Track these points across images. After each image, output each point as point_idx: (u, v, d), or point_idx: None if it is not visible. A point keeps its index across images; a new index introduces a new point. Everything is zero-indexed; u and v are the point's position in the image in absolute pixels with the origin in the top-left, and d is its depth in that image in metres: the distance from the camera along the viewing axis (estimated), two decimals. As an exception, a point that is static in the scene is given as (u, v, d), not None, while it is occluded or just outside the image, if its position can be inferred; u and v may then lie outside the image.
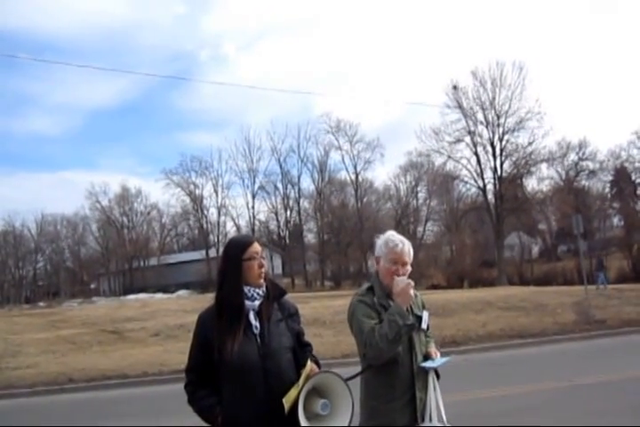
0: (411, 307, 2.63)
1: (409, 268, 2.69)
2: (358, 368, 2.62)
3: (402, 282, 2.56)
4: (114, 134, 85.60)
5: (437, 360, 2.60)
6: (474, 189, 44.39)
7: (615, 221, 49.41)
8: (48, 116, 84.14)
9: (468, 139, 41.03)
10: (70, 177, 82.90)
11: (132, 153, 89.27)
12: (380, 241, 2.74)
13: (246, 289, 2.28)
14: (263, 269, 2.32)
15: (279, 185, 53.46)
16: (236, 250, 2.32)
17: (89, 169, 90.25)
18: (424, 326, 2.67)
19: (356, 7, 78.91)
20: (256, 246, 2.34)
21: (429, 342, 2.74)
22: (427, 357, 2.63)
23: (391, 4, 78.33)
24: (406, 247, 2.68)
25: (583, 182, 47.82)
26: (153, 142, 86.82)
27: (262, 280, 2.32)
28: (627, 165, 45.54)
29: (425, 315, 2.70)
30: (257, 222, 54.00)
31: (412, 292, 2.56)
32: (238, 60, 79.92)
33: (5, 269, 61.12)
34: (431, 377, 2.59)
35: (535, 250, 52.33)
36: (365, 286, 2.73)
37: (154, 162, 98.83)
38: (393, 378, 2.53)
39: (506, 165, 40.83)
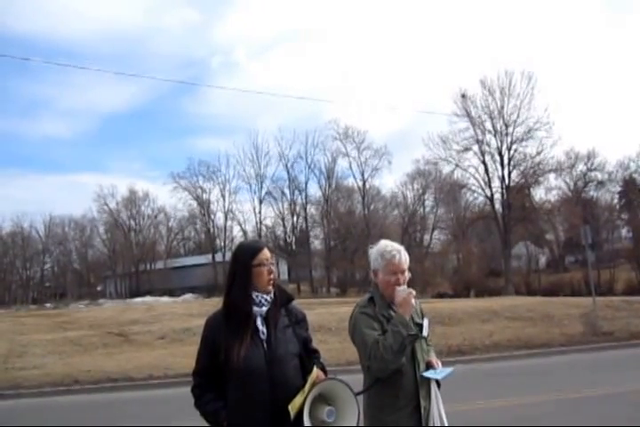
0: (411, 315, 2.62)
1: (408, 274, 2.66)
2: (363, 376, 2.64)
3: (403, 292, 2.55)
4: (124, 138, 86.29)
5: (440, 371, 2.59)
6: (481, 198, 44.28)
7: (623, 232, 49.04)
8: (60, 120, 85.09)
9: (475, 147, 40.97)
10: (80, 180, 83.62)
11: (141, 157, 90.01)
12: (374, 253, 2.69)
13: (254, 295, 2.29)
14: (272, 276, 2.32)
15: (286, 191, 53.57)
16: (246, 256, 2.33)
17: (98, 172, 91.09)
18: (425, 333, 2.66)
19: (365, 16, 79.32)
20: (266, 252, 2.34)
21: (430, 350, 2.72)
22: (428, 365, 2.62)
23: (400, 12, 78.63)
24: (403, 256, 2.64)
25: (591, 193, 47.58)
26: (162, 147, 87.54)
27: (271, 287, 2.33)
28: (635, 176, 45.32)
29: (425, 322, 2.69)
30: (263, 228, 54.08)
31: (413, 301, 2.56)
32: (249, 68, 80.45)
33: (13, 269, 61.56)
34: (433, 385, 2.59)
35: (542, 260, 51.96)
36: (366, 296, 2.71)
37: (162, 166, 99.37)
38: (396, 388, 2.52)
39: (514, 175, 40.71)
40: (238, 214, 54.69)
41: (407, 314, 2.52)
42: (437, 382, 2.62)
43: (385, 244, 2.72)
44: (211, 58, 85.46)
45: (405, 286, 2.60)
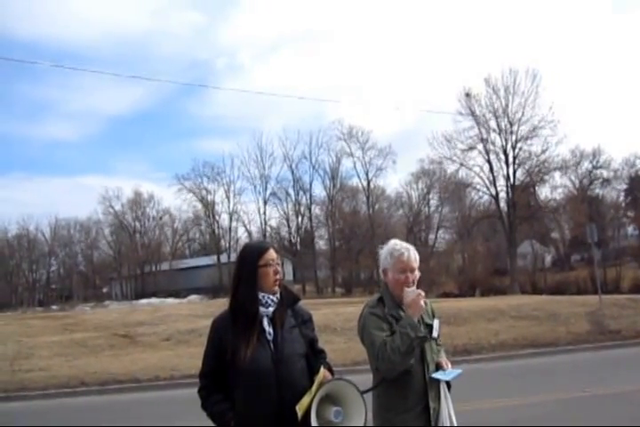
0: (421, 316, 2.60)
1: (417, 273, 2.66)
2: (369, 376, 2.62)
3: (412, 293, 2.53)
4: (129, 140, 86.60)
5: (449, 373, 2.58)
6: (486, 197, 44.13)
7: (630, 230, 48.81)
8: (66, 123, 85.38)
9: (480, 146, 40.79)
10: (85, 182, 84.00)
11: (145, 158, 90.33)
12: (384, 253, 2.69)
13: (261, 296, 2.28)
14: (278, 276, 2.32)
15: (291, 191, 53.64)
16: (252, 256, 2.33)
17: (103, 174, 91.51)
18: (435, 334, 2.64)
19: (369, 16, 79.25)
20: (272, 253, 2.34)
21: (440, 350, 2.71)
22: (438, 366, 2.60)
23: (404, 11, 78.53)
24: (412, 254, 2.64)
25: (597, 191, 47.35)
26: (167, 148, 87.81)
27: (277, 287, 2.33)
28: (641, 173, 45.14)
29: (436, 323, 2.67)
30: (268, 228, 54.13)
31: (422, 302, 2.53)
32: (253, 69, 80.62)
33: (19, 272, 61.85)
34: (442, 386, 2.58)
35: (548, 259, 51.75)
36: (376, 296, 2.70)
37: (167, 168, 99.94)
38: (405, 389, 2.50)
39: (519, 173, 40.53)
40: (243, 215, 54.90)
41: (416, 316, 2.49)
42: (447, 383, 2.61)
43: (394, 242, 2.72)
44: (215, 59, 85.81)
45: (414, 288, 2.58)
